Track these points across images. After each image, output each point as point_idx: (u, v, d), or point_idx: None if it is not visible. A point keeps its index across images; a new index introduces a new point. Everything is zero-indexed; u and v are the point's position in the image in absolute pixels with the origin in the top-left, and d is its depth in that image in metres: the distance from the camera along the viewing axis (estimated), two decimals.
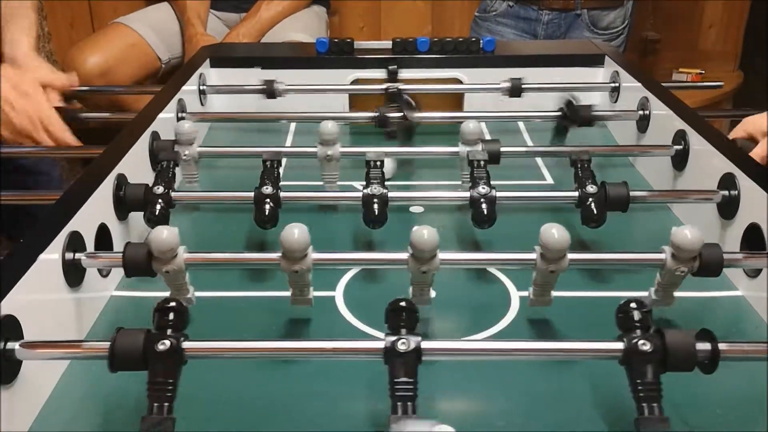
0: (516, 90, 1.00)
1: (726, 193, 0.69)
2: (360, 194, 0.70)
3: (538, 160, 0.93)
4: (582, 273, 0.68)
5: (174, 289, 0.58)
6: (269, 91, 1.01)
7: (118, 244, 0.68)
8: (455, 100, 1.10)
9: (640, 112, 0.92)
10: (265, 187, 0.70)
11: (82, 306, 0.60)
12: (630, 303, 0.48)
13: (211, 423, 0.51)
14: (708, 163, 0.74)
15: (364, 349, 0.49)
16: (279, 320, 0.63)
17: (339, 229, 0.78)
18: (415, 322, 0.48)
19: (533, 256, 0.56)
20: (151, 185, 0.70)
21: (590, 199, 0.69)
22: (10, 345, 0.48)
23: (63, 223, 0.59)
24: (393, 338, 0.47)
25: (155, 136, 0.82)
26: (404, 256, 0.56)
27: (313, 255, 0.56)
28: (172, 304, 0.48)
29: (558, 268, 0.55)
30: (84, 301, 0.61)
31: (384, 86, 0.99)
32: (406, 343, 0.46)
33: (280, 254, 0.55)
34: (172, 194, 0.71)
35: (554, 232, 0.54)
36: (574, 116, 0.92)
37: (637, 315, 0.47)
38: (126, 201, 0.69)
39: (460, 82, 1.08)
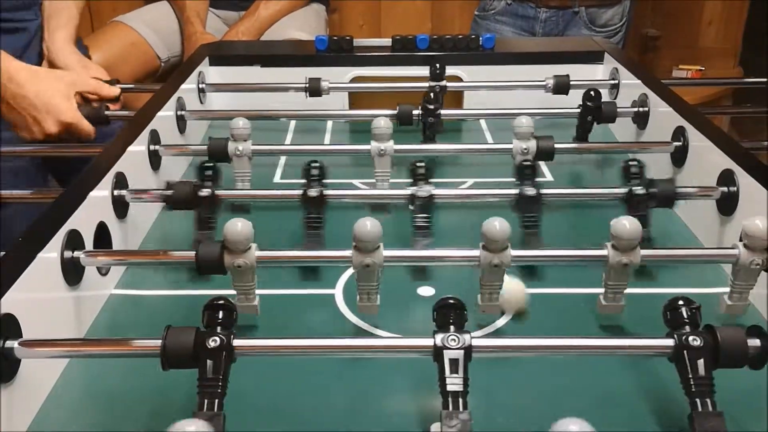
0: (562, 87, 1.00)
1: (725, 189, 0.69)
2: (408, 192, 0.70)
3: None
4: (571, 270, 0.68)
5: (241, 292, 0.58)
6: (313, 89, 1.00)
7: (117, 243, 0.68)
8: (455, 98, 1.09)
9: (640, 109, 0.92)
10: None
11: (81, 304, 0.60)
12: (678, 300, 0.49)
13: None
14: (707, 160, 0.74)
15: (415, 347, 0.49)
16: (274, 318, 0.63)
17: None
18: (464, 320, 0.48)
19: (604, 252, 0.56)
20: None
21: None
22: (9, 343, 0.48)
23: (62, 221, 0.59)
24: (443, 335, 0.47)
25: (154, 134, 0.82)
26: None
27: (385, 252, 0.55)
28: (222, 301, 0.49)
29: (631, 260, 0.55)
30: (83, 300, 0.61)
31: (427, 84, 0.99)
32: (456, 341, 0.47)
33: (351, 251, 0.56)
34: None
35: (626, 223, 0.54)
36: (599, 112, 0.91)
37: (686, 312, 0.48)
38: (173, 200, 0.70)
39: (459, 79, 1.08)
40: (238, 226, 0.55)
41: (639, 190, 0.69)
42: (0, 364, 0.47)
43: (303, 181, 0.71)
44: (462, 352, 0.46)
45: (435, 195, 0.69)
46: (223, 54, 1.14)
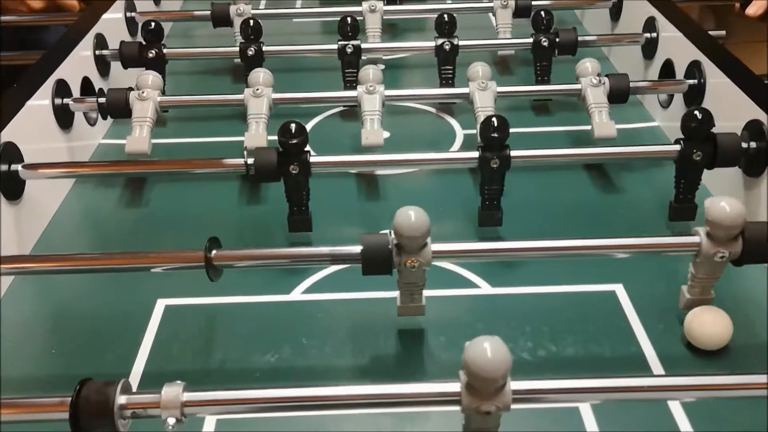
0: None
1: (693, 81, 0.66)
2: (335, 47, 0.77)
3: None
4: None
5: (138, 123, 0.64)
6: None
7: None
8: None
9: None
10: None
11: (73, 150, 0.68)
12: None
13: None
14: (677, 51, 0.71)
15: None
16: None
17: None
18: None
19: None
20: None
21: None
22: (13, 167, 0.56)
23: (50, 71, 0.65)
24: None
25: (129, 2, 0.87)
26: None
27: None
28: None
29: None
30: (75, 148, 0.68)
31: None
32: None
33: None
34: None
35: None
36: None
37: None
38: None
39: None
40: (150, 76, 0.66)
41: (543, 40, 0.75)
42: (7, 184, 0.55)
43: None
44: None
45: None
46: None
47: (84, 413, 0.34)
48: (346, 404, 0.37)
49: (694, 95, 0.66)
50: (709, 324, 0.47)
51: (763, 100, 0.56)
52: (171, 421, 0.35)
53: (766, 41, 0.97)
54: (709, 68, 0.64)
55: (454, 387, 0.35)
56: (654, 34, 0.75)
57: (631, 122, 0.73)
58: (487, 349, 0.34)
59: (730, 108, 0.60)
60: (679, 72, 0.69)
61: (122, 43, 0.77)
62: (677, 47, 0.70)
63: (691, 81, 0.66)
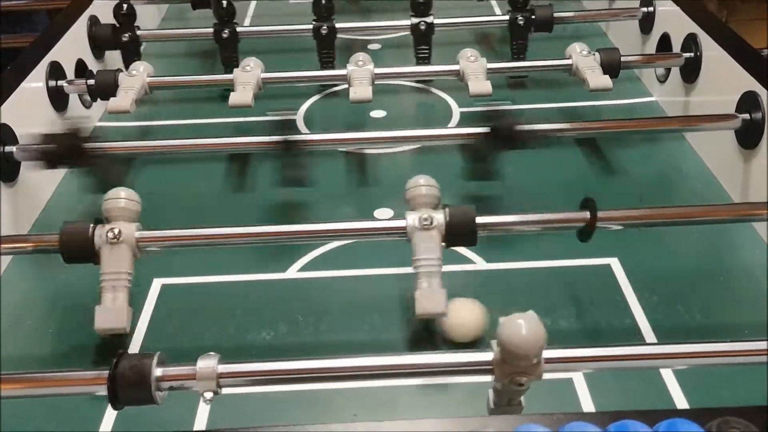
0: None
1: (690, 55, 0.66)
2: (310, 26, 0.76)
3: None
4: None
5: (124, 90, 0.64)
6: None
7: None
8: None
9: None
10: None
11: None
12: None
13: None
14: (673, 25, 0.70)
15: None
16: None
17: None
18: None
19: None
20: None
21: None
22: (8, 148, 0.56)
23: (44, 53, 0.65)
24: None
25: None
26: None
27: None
28: None
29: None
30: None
31: None
32: None
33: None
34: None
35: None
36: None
37: None
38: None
39: None
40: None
41: (519, 18, 0.74)
42: (2, 166, 0.55)
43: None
44: None
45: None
46: None
47: (122, 386, 0.35)
48: (381, 374, 0.37)
49: (691, 68, 0.65)
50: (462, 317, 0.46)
51: (759, 72, 0.56)
52: (208, 395, 0.35)
53: (766, 19, 0.96)
54: (706, 41, 0.64)
55: (487, 356, 0.34)
56: (650, 9, 0.74)
57: (628, 97, 0.73)
58: (522, 327, 0.32)
59: (726, 80, 0.60)
60: (676, 46, 0.69)
61: (95, 27, 0.76)
62: (674, 21, 0.70)
63: (687, 54, 0.66)
